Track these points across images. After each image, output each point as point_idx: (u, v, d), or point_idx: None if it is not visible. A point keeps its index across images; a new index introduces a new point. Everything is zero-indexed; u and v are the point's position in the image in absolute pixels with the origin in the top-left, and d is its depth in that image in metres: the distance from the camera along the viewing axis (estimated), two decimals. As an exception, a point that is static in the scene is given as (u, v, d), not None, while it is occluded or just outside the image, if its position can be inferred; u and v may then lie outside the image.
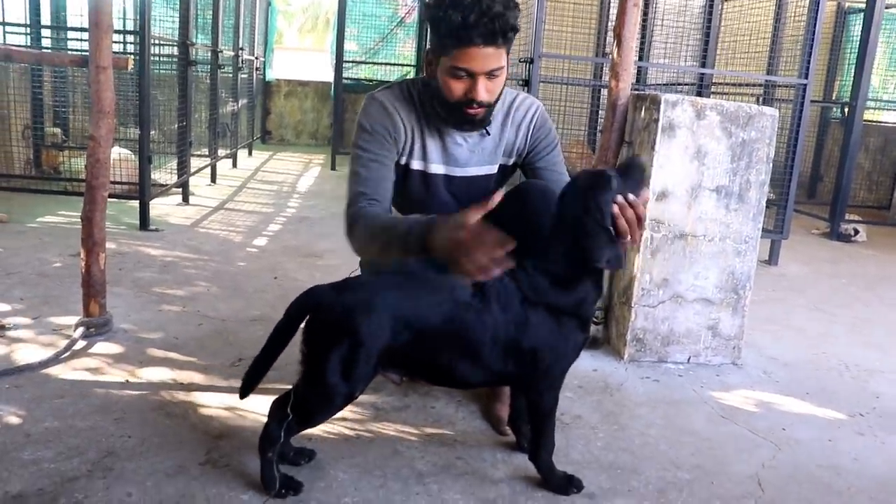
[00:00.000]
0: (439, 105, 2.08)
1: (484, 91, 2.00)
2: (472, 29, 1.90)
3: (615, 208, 1.73)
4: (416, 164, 2.20)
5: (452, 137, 2.17)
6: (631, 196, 1.75)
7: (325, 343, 1.69)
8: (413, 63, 9.86)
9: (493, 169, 2.26)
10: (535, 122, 2.24)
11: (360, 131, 2.14)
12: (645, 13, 5.78)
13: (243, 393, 1.84)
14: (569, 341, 1.83)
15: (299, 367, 1.77)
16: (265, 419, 1.79)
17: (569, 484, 1.91)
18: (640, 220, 1.75)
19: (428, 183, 2.22)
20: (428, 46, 2.08)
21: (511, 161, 2.28)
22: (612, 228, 1.74)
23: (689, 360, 2.93)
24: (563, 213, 1.80)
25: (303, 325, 1.78)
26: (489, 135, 2.18)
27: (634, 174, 1.80)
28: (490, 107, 2.07)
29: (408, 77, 2.27)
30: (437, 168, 2.21)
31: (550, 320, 1.80)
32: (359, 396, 1.78)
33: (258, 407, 2.22)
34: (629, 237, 1.75)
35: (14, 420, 2.06)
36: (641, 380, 2.73)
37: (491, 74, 1.99)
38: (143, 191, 4.49)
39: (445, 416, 2.30)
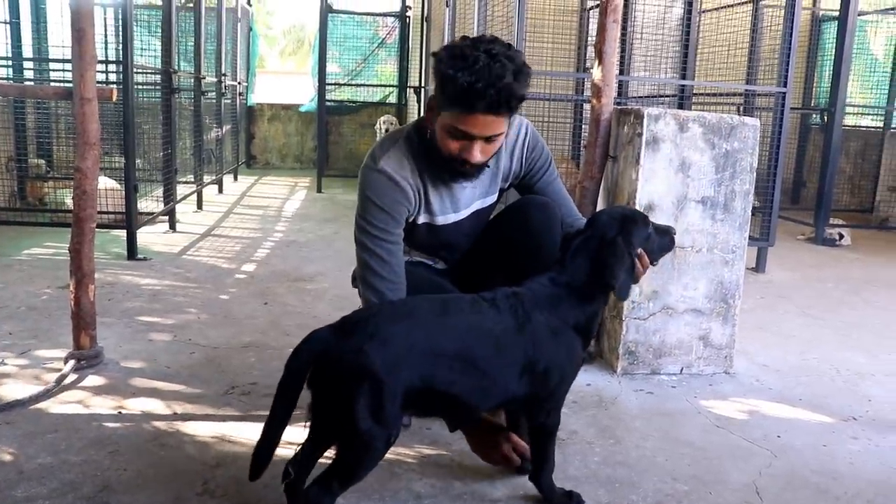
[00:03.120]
0: (434, 154, 2.05)
1: (479, 153, 1.97)
2: (478, 98, 1.84)
3: (641, 248, 1.89)
4: (422, 219, 2.18)
5: (457, 181, 2.13)
6: (655, 245, 1.95)
7: (347, 393, 1.58)
8: (395, 83, 9.92)
9: (495, 197, 2.26)
10: (527, 145, 2.21)
11: (372, 207, 2.05)
12: (624, 27, 5.84)
13: (254, 475, 1.68)
14: (576, 360, 1.86)
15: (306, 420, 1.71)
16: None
17: (569, 500, 1.91)
18: (644, 271, 1.93)
19: (436, 232, 2.21)
20: (431, 93, 2.02)
21: (507, 184, 2.28)
22: (635, 259, 1.87)
23: (681, 370, 2.94)
24: (594, 233, 1.86)
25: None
26: (488, 167, 2.14)
27: (665, 239, 1.98)
28: (483, 165, 2.04)
29: (402, 129, 2.20)
30: (446, 218, 2.19)
31: (564, 340, 1.80)
32: (394, 441, 1.66)
33: (254, 435, 2.21)
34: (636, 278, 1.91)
35: (6, 457, 2.04)
36: (635, 392, 2.74)
37: (489, 138, 1.96)
38: (129, 220, 4.48)
39: (442, 437, 2.29)
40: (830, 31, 7.22)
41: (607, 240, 1.84)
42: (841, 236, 6.01)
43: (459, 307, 1.76)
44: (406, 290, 2.10)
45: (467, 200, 2.20)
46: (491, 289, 1.84)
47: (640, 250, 1.89)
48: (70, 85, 2.72)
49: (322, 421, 1.68)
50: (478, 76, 1.82)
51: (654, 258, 1.96)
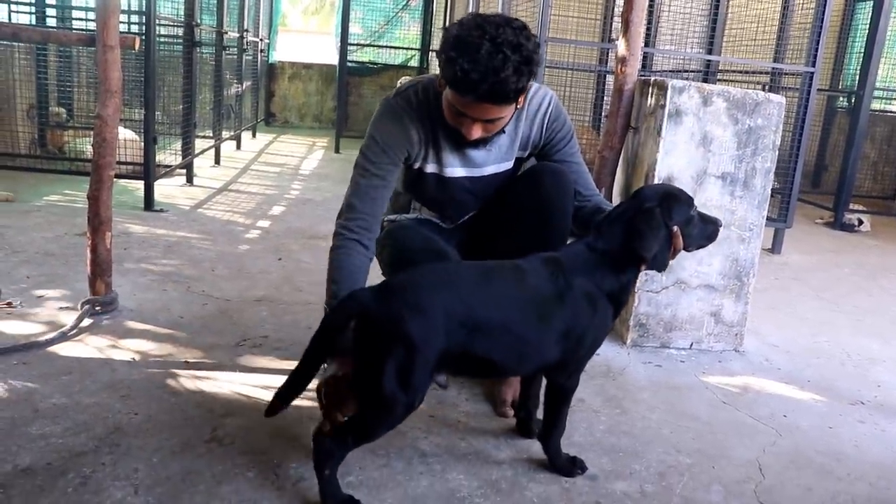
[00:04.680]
0: (442, 115, 2.04)
1: (478, 132, 1.96)
2: (471, 88, 1.82)
3: (678, 227, 1.85)
4: (431, 168, 2.18)
5: (461, 147, 2.13)
6: (696, 229, 1.90)
7: (379, 354, 1.59)
8: (418, 47, 9.84)
9: (510, 165, 2.24)
10: (549, 115, 2.18)
11: (371, 142, 2.09)
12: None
13: (270, 412, 1.70)
14: (607, 327, 1.86)
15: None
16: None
17: (573, 466, 1.93)
18: (676, 252, 1.88)
19: (445, 184, 2.21)
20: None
21: (527, 153, 2.25)
22: (671, 233, 1.84)
23: (691, 346, 2.94)
24: (634, 203, 1.86)
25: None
26: (504, 133, 2.12)
27: (709, 226, 1.94)
28: (485, 139, 2.03)
29: (425, 77, 2.20)
30: (455, 171, 2.18)
31: (600, 306, 1.80)
32: (418, 407, 1.67)
33: (264, 386, 2.24)
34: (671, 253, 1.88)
35: (22, 395, 2.08)
36: (644, 365, 2.74)
37: (489, 120, 1.94)
38: (147, 172, 4.49)
39: (449, 397, 2.31)
40: (865, 11, 7.06)
41: (645, 208, 1.83)
42: (860, 222, 5.95)
43: (501, 275, 1.75)
44: (400, 247, 2.17)
45: (480, 161, 2.18)
46: (501, 252, 1.85)
47: (676, 228, 1.85)
48: (93, 32, 2.72)
49: (353, 378, 1.68)
50: (475, 66, 1.79)
51: (690, 243, 1.90)
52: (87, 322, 2.63)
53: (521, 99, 1.94)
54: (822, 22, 4.53)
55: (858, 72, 6.18)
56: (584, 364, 1.90)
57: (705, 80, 5.46)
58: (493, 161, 2.20)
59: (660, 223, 1.81)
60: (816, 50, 4.56)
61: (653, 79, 2.89)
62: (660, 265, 1.84)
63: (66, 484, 1.70)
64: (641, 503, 1.85)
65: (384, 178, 2.07)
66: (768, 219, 3.39)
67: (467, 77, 1.80)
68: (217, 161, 6.51)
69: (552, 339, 1.75)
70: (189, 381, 2.27)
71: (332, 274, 1.99)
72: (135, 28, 5.47)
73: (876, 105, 7.60)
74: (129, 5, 5.56)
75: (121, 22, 2.86)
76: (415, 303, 1.61)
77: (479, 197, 2.27)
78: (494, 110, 1.90)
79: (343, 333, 1.63)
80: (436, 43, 9.30)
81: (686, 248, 1.90)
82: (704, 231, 1.93)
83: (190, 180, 5.49)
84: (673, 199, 1.86)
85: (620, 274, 1.83)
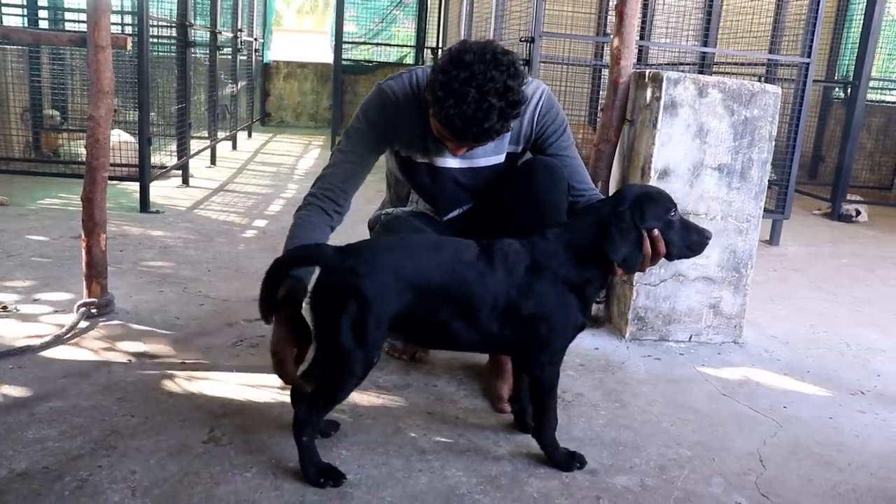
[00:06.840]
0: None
1: (462, 151, 2.05)
2: (456, 134, 1.89)
3: (657, 230, 1.82)
4: (421, 158, 2.20)
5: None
6: (676, 235, 1.84)
7: (334, 309, 1.68)
8: (413, 44, 9.83)
9: (500, 159, 2.24)
10: (540, 109, 2.18)
11: (356, 122, 2.16)
12: (646, -8, 5.74)
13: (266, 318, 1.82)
14: (568, 316, 1.84)
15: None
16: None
17: (571, 460, 1.92)
18: (657, 256, 1.84)
19: (437, 174, 2.23)
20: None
21: (519, 148, 2.25)
22: (644, 236, 1.81)
23: (690, 338, 2.93)
24: (611, 202, 1.86)
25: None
26: None
27: (693, 235, 1.88)
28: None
29: (420, 67, 2.21)
30: (446, 161, 2.20)
31: (554, 291, 1.80)
32: (376, 363, 1.75)
33: (260, 386, 2.23)
34: (645, 257, 1.83)
35: (18, 400, 2.06)
36: (643, 358, 2.74)
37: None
38: (143, 173, 4.48)
39: (447, 394, 2.30)
40: (859, 2, 7.04)
41: (617, 210, 1.82)
42: (858, 212, 5.95)
43: (452, 247, 1.83)
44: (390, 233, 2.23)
45: (470, 153, 2.18)
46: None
47: (656, 232, 1.81)
48: (84, 32, 2.70)
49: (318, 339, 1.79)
50: (460, 113, 1.83)
51: (672, 250, 1.85)
52: (83, 325, 2.61)
53: None
54: (817, 12, 4.52)
55: (854, 62, 6.16)
56: (557, 356, 1.88)
57: (701, 73, 5.45)
58: (481, 154, 2.21)
59: (630, 226, 1.80)
60: (812, 41, 4.56)
61: (648, 71, 2.88)
62: (630, 267, 1.82)
63: (62, 488, 1.69)
64: (642, 497, 1.84)
65: (360, 157, 2.14)
66: (766, 210, 3.38)
67: (451, 122, 1.86)
68: (213, 161, 6.50)
69: (492, 311, 1.78)
70: (186, 381, 2.25)
71: (291, 230, 2.11)
72: (129, 29, 5.47)
73: (872, 95, 7.60)
74: (122, 6, 5.55)
75: (113, 23, 2.84)
76: (369, 261, 1.70)
77: (471, 190, 2.27)
78: (477, 144, 2.00)
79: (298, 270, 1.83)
80: (431, 40, 9.30)
81: (667, 256, 1.85)
82: (686, 239, 1.87)
83: (186, 181, 5.47)
84: (647, 201, 1.83)
85: (583, 267, 1.82)
